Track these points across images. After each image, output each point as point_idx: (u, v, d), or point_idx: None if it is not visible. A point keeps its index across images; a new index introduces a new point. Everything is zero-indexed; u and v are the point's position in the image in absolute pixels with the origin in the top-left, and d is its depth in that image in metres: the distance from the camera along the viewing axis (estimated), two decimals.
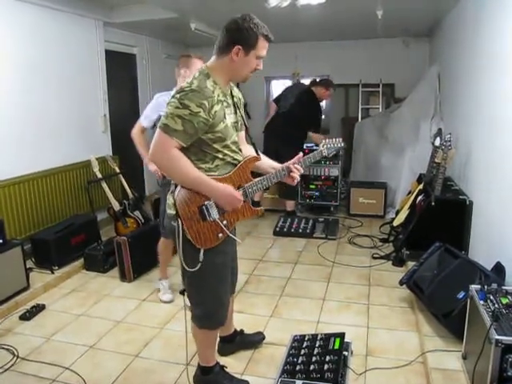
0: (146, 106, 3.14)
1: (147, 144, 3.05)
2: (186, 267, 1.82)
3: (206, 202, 1.79)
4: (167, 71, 6.05)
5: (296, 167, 1.96)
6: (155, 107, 2.98)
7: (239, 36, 1.72)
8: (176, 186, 1.80)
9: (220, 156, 1.82)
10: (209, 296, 1.97)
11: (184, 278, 1.93)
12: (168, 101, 1.75)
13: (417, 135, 4.98)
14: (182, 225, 1.77)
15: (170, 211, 1.85)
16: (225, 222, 1.85)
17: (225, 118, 1.80)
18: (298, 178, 1.97)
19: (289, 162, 1.98)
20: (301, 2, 3.86)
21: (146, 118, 3.04)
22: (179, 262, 1.90)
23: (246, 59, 1.76)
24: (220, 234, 1.85)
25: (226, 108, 1.81)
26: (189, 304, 2.02)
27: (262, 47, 1.77)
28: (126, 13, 4.62)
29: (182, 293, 1.93)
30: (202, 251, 1.81)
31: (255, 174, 1.98)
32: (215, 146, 1.79)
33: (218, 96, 1.77)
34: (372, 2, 4.04)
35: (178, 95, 1.70)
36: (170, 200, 1.88)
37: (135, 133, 3.09)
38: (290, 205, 5.05)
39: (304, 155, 2.03)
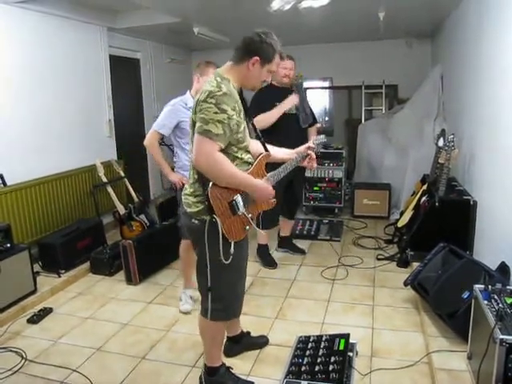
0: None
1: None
2: (223, 260, 1.87)
3: (234, 197, 1.88)
4: (171, 75, 6.10)
5: (310, 151, 2.16)
6: (173, 114, 2.86)
7: (260, 48, 1.85)
8: (204, 185, 1.84)
9: (239, 156, 1.92)
10: (228, 290, 2.04)
11: (200, 275, 2.01)
12: (200, 106, 1.77)
13: (420, 136, 4.98)
14: (219, 219, 1.83)
15: (191, 209, 1.91)
16: (250, 215, 1.95)
17: (243, 120, 1.91)
18: (315, 165, 2.20)
19: (299, 148, 2.18)
20: (303, 5, 3.88)
21: (164, 127, 2.88)
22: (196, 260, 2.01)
23: (260, 71, 1.90)
24: (247, 227, 1.96)
25: (240, 112, 1.90)
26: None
27: (276, 63, 1.94)
28: (129, 18, 4.66)
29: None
30: (232, 244, 1.90)
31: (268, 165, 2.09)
32: (235, 147, 1.88)
33: (237, 100, 1.87)
34: (374, 4, 4.05)
35: (212, 100, 1.74)
36: (189, 199, 1.93)
37: (153, 143, 2.92)
38: (262, 236, 3.76)
39: None
